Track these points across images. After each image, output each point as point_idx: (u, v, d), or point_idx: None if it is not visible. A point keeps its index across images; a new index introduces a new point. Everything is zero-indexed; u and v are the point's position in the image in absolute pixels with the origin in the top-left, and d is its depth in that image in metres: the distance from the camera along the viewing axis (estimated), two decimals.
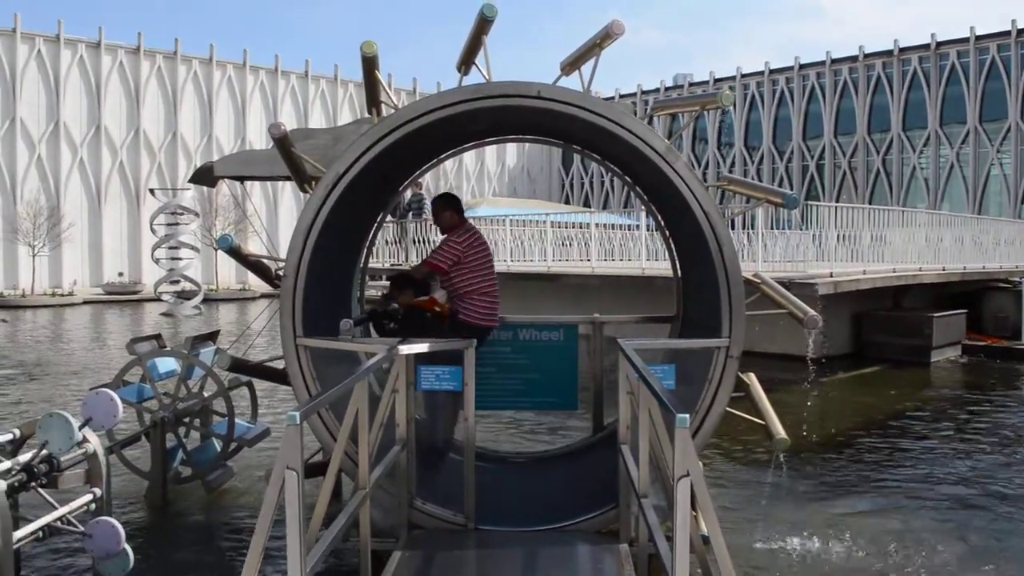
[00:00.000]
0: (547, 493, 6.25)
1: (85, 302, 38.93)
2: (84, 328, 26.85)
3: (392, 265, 18.71)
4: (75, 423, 4.61)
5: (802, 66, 53.53)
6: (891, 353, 15.74)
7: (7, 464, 4.48)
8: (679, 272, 6.85)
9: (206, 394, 7.30)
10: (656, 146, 5.08)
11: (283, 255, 5.46)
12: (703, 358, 5.33)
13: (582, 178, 63.85)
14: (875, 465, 8.50)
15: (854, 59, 51.36)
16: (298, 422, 2.90)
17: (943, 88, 48.13)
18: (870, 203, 41.68)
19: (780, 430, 5.17)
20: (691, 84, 57.75)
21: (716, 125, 57.08)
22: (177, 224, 31.65)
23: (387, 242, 19.53)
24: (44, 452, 4.54)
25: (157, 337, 7.70)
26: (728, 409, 5.30)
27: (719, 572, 2.86)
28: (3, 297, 39.46)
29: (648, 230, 17.57)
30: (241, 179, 7.88)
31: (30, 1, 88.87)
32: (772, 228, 17.74)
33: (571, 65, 5.49)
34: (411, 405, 5.14)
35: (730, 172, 53.13)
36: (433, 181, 52.68)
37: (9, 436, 5.00)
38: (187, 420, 7.29)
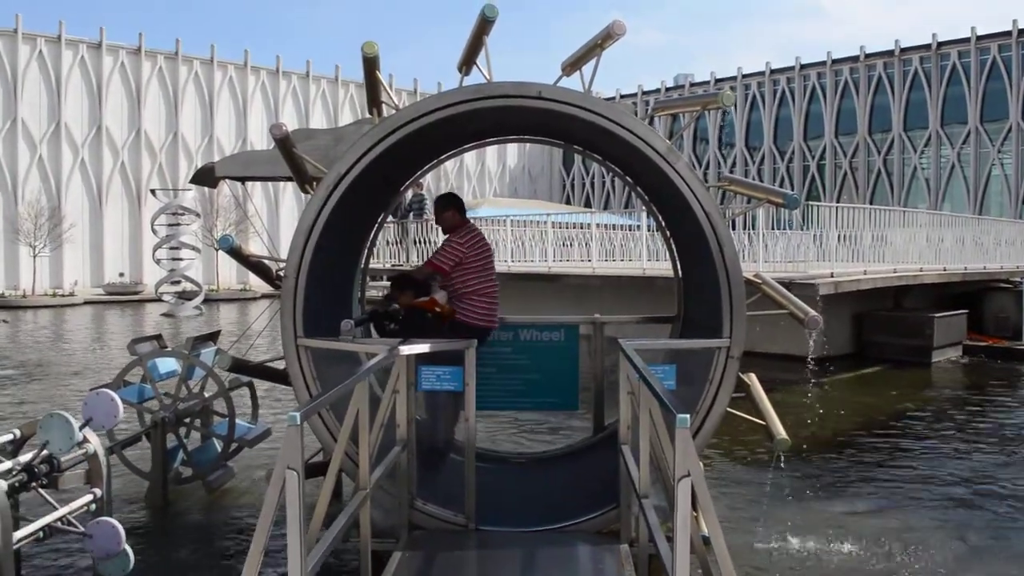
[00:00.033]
0: (548, 493, 6.24)
1: (86, 302, 38.94)
2: (85, 328, 26.85)
3: (393, 266, 18.71)
4: (76, 423, 4.60)
5: (803, 66, 53.50)
6: (892, 353, 15.73)
7: (8, 464, 4.48)
8: (680, 272, 6.85)
9: (207, 394, 7.30)
10: (657, 146, 5.08)
11: (284, 255, 5.45)
12: (704, 358, 5.32)
13: (583, 178, 63.83)
14: (875, 465, 8.50)
15: (855, 59, 51.32)
16: (299, 422, 2.90)
17: (944, 88, 48.10)
18: (871, 203, 41.65)
19: (781, 430, 5.16)
20: (692, 84, 57.73)
21: (717, 125, 57.05)
22: (178, 224, 31.74)
23: (388, 243, 19.53)
24: (44, 452, 4.53)
25: (158, 337, 7.70)
26: (729, 409, 5.29)
27: (720, 573, 2.86)
28: (4, 297, 39.46)
29: (649, 230, 17.57)
30: (242, 179, 7.88)
31: (32, 2, 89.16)
32: (773, 228, 17.72)
33: (572, 66, 5.49)
34: (412, 405, 5.14)
35: (731, 172, 53.12)
36: (434, 181, 52.67)
37: (10, 436, 5.00)
38: (188, 420, 7.29)
